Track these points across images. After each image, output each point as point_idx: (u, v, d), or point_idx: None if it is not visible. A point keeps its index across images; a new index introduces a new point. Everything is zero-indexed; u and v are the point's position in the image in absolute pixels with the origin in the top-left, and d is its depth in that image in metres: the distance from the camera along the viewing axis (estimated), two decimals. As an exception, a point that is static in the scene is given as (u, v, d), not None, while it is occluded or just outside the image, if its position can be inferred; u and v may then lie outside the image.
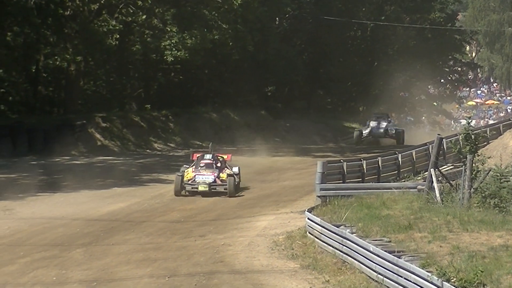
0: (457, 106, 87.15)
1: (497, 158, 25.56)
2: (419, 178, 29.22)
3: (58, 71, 49.72)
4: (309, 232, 20.64)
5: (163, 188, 30.11)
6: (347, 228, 19.19)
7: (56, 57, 47.52)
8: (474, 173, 21.53)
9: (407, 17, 69.31)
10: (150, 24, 49.87)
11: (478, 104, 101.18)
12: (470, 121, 23.95)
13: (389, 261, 16.23)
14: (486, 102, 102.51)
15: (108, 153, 42.62)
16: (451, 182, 22.51)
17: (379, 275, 16.55)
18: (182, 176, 27.66)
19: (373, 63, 67.41)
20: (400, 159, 30.34)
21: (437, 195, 21.58)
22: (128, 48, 51.63)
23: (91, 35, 47.56)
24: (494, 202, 20.71)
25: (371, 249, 17.07)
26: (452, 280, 14.63)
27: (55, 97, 51.47)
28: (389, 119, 53.92)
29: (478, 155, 22.59)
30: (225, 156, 29.55)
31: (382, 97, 64.47)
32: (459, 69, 76.46)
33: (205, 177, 27.62)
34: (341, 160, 27.87)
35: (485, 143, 33.33)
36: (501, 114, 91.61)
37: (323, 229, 19.66)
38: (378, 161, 29.09)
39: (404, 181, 27.71)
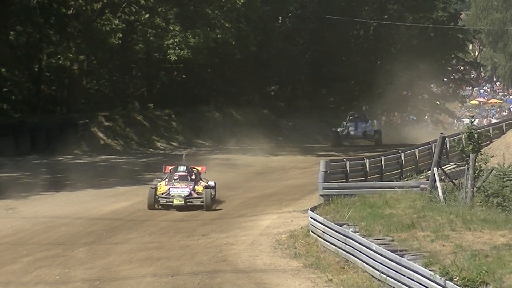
0: (460, 105, 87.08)
1: (500, 157, 25.55)
2: (422, 177, 29.19)
3: (61, 70, 49.68)
4: (312, 231, 20.63)
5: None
6: (350, 227, 19.19)
7: (59, 56, 47.53)
8: (477, 172, 21.52)
9: (409, 16, 69.22)
10: (153, 23, 49.80)
11: (481, 103, 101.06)
12: (473, 120, 23.96)
13: (392, 260, 16.23)
14: (489, 101, 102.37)
15: (111, 152, 42.63)
16: (454, 181, 22.51)
17: (382, 274, 16.55)
18: (156, 189, 25.36)
19: (376, 62, 67.34)
20: (403, 158, 30.33)
21: (440, 194, 21.57)
22: (131, 47, 51.61)
23: (94, 34, 47.55)
24: (497, 201, 20.72)
25: (374, 248, 17.07)
26: (455, 279, 14.63)
27: (58, 96, 51.43)
28: (367, 119, 52.38)
29: (481, 154, 22.62)
30: (199, 168, 27.42)
31: (385, 96, 64.44)
32: (462, 68, 76.38)
33: (180, 190, 25.30)
34: (344, 159, 27.83)
35: (488, 142, 33.32)
36: (504, 113, 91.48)
37: (326, 228, 19.66)
38: (381, 160, 29.08)
39: (407, 180, 27.70)
